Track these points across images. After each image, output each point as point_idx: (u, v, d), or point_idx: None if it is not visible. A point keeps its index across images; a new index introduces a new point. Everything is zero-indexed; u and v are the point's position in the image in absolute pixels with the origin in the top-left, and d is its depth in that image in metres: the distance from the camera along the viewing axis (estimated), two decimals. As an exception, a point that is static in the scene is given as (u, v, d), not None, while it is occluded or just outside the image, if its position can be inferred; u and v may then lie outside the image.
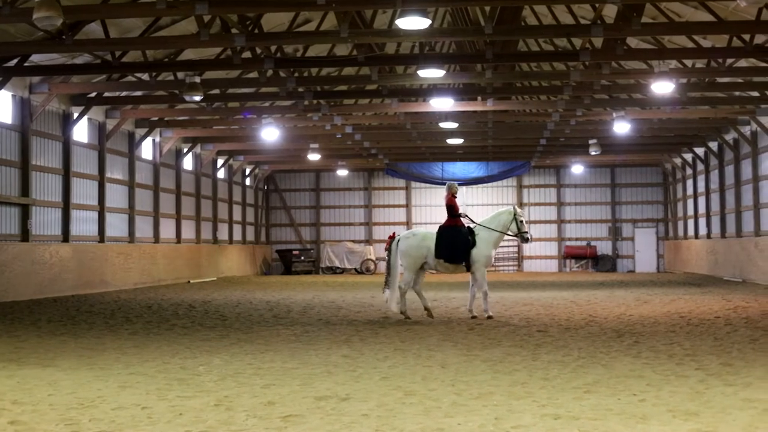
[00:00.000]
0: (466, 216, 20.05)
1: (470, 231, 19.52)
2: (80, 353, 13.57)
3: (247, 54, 26.90)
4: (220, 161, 47.75)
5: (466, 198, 54.26)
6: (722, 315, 19.64)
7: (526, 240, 20.10)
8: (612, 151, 46.40)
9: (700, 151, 45.72)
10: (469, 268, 19.50)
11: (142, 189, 38.19)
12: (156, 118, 37.25)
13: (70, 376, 11.17)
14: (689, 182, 49.21)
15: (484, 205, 54.10)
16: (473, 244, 19.32)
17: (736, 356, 12.61)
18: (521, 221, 19.67)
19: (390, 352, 13.48)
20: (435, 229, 19.72)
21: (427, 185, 54.31)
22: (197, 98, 27.61)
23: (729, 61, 27.32)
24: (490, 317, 19.13)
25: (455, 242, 19.24)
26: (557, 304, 23.23)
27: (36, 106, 29.03)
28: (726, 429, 7.84)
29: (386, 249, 20.43)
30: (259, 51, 27.69)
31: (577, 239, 54.86)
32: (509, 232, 19.74)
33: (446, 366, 11.87)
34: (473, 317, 19.25)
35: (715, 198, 43.82)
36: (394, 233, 20.59)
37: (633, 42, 28.88)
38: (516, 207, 20.11)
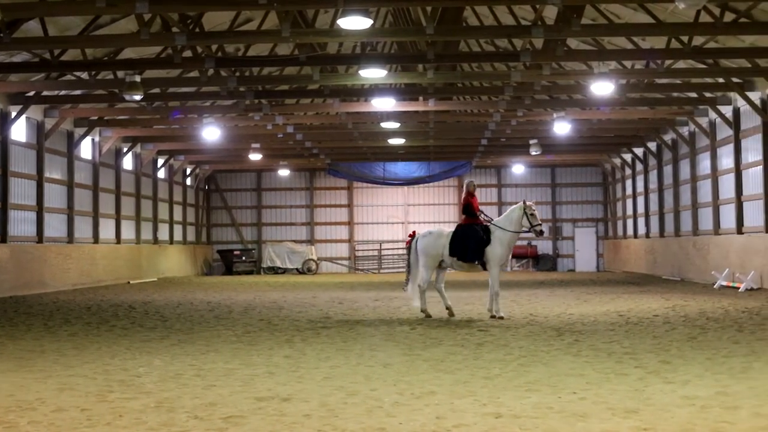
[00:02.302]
0: (484, 214, 19.92)
1: (486, 229, 19.40)
2: (19, 355, 13.39)
3: (187, 53, 26.73)
4: (160, 161, 47.35)
5: (407, 198, 54.48)
6: (661, 314, 19.85)
7: (541, 233, 19.86)
8: (552, 151, 46.73)
9: (639, 151, 46.25)
10: (484, 267, 19.45)
11: (82, 189, 37.78)
12: (95, 118, 36.87)
13: (9, 379, 11.01)
14: (628, 182, 49.75)
15: (425, 204, 54.52)
16: (488, 242, 19.28)
17: (675, 354, 12.75)
18: (532, 214, 19.44)
19: (332, 352, 13.45)
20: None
21: (369, 185, 54.39)
22: (137, 97, 27.33)
23: (667, 62, 27.65)
24: (501, 318, 18.87)
25: (469, 241, 19.19)
26: (498, 304, 23.29)
27: (-28, 104, 28.64)
28: (665, 426, 7.91)
29: (407, 247, 20.46)
30: (200, 50, 27.52)
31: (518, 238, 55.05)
32: (523, 228, 19.57)
33: (388, 366, 11.87)
34: (499, 317, 18.94)
35: (653, 198, 44.34)
36: (414, 232, 20.54)
37: (573, 43, 29.15)
38: (526, 201, 19.88)
